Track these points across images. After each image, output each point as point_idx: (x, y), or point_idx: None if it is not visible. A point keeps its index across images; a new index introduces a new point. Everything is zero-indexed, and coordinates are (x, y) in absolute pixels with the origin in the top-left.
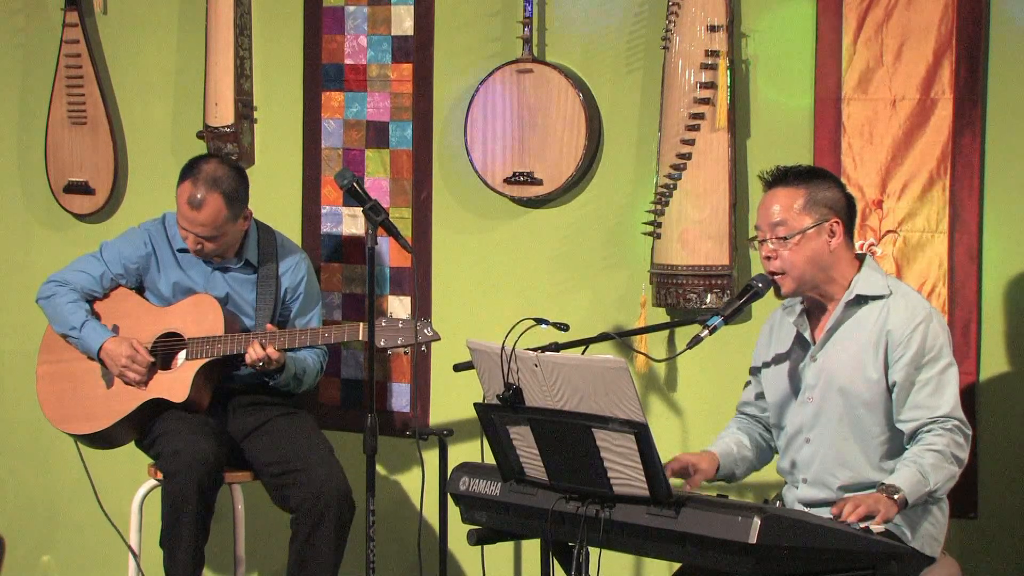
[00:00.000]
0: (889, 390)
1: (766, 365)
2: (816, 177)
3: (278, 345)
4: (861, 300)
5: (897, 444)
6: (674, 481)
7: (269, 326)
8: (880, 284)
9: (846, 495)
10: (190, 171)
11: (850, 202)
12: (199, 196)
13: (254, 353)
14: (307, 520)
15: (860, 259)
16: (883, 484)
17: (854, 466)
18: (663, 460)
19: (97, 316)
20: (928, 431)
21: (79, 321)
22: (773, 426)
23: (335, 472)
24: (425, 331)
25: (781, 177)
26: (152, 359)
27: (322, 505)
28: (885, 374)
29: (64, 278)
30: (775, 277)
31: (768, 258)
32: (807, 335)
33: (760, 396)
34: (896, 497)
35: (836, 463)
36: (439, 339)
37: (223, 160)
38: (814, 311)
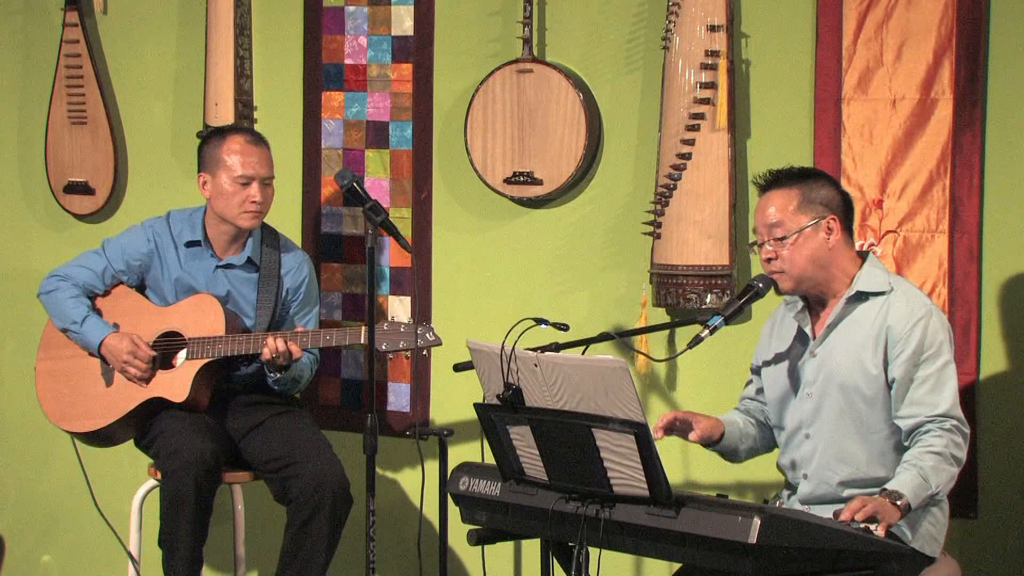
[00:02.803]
0: (889, 386)
1: (766, 363)
2: (809, 177)
3: (279, 346)
4: (862, 296)
5: (899, 440)
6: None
7: (299, 327)
8: (882, 280)
9: (846, 492)
10: (221, 132)
11: (846, 199)
12: (254, 133)
13: (273, 347)
14: (303, 509)
15: (863, 256)
16: (885, 490)
17: (854, 462)
18: (667, 460)
19: (98, 313)
20: (927, 431)
21: (80, 316)
22: (774, 426)
23: (333, 465)
24: (427, 336)
25: (775, 180)
26: (153, 353)
27: (319, 496)
28: (884, 370)
29: (66, 273)
30: (775, 276)
31: (768, 259)
32: (807, 330)
33: (760, 391)
34: (899, 503)
35: (836, 459)
36: (440, 344)
37: None
38: (815, 307)
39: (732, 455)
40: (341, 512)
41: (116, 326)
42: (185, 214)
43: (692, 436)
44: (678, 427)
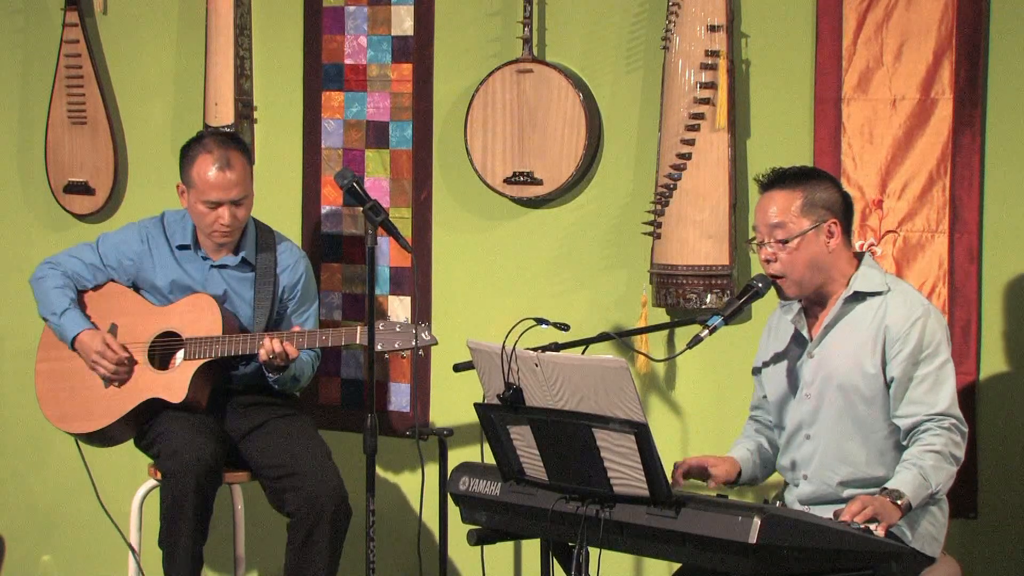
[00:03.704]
0: (887, 385)
1: (766, 365)
2: (812, 178)
3: (275, 347)
4: (859, 296)
5: (898, 439)
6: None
7: (297, 327)
8: (878, 281)
9: (846, 492)
10: (197, 146)
11: (847, 201)
12: (226, 157)
13: (270, 348)
14: (303, 525)
15: (859, 257)
16: (886, 489)
17: (853, 462)
18: (667, 460)
19: (84, 307)
20: (925, 430)
21: (61, 308)
22: (775, 426)
23: (331, 477)
24: (423, 335)
25: (777, 179)
26: (125, 355)
27: (318, 510)
28: (882, 370)
29: (57, 261)
30: (777, 280)
31: (768, 261)
32: (804, 332)
33: (766, 397)
34: (900, 503)
35: (836, 459)
36: (436, 343)
37: (213, 132)
38: (812, 308)
39: (753, 483)
40: (341, 525)
41: (113, 327)
42: (179, 215)
43: (712, 484)
44: (695, 473)
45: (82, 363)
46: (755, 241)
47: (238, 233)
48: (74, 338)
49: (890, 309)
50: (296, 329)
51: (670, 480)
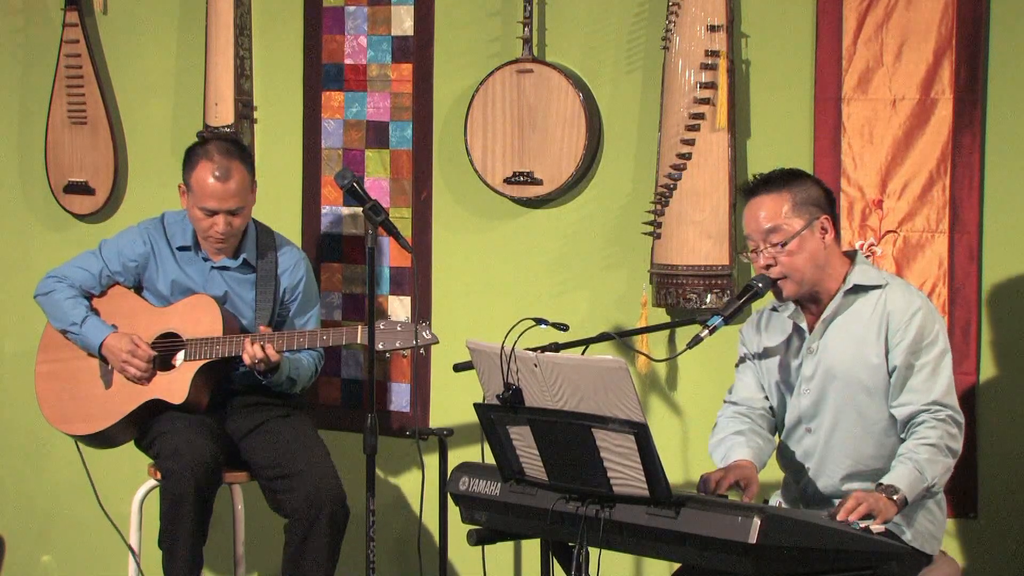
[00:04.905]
0: (890, 374)
1: (757, 357)
2: (795, 178)
3: (277, 347)
4: (858, 290)
5: (897, 430)
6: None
7: (264, 328)
8: (875, 275)
9: (847, 485)
10: (200, 152)
11: (830, 197)
12: (227, 167)
13: (252, 353)
14: (301, 526)
15: (849, 255)
16: (881, 484)
17: (855, 455)
18: (666, 460)
19: (96, 313)
20: (921, 422)
21: (80, 317)
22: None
23: (329, 476)
24: (424, 334)
25: (761, 184)
26: (153, 353)
27: (316, 510)
28: (886, 358)
29: (63, 274)
30: (780, 283)
31: (768, 266)
32: (803, 326)
33: (759, 387)
34: (895, 498)
35: (838, 452)
36: (437, 342)
37: (220, 137)
38: (807, 305)
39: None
40: (339, 524)
41: (115, 327)
42: (179, 216)
43: (748, 496)
44: (733, 484)
45: (82, 364)
46: (749, 250)
47: (233, 241)
48: (100, 344)
49: (890, 300)
50: (264, 330)
51: (714, 487)
